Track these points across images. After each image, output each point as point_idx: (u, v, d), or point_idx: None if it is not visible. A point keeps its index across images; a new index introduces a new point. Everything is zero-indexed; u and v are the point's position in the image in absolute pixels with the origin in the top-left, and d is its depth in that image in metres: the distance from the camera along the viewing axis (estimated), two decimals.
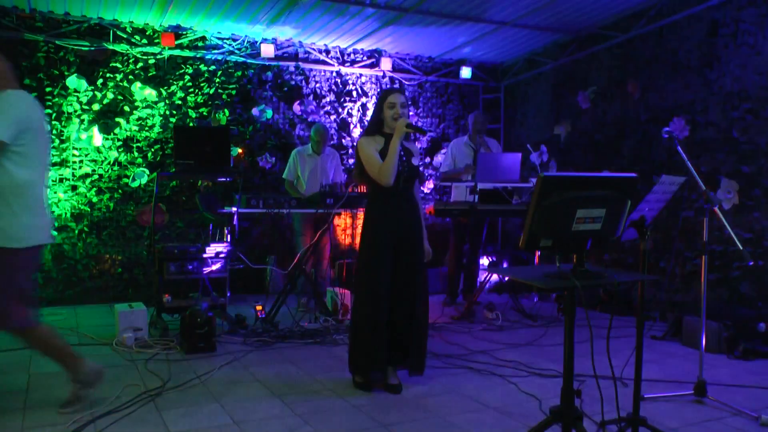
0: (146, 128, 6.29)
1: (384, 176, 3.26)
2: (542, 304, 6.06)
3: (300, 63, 7.02)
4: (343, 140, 7.30)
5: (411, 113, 7.56)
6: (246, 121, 6.75)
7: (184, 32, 6.40)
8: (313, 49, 7.08)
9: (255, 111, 6.75)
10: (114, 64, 6.16)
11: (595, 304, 5.72)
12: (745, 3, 4.93)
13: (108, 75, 6.14)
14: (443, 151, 7.73)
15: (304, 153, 5.83)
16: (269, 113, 6.80)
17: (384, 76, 7.49)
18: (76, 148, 6.01)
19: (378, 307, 3.32)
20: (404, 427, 2.87)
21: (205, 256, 4.80)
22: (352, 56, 7.31)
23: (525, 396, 3.30)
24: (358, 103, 7.37)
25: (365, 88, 7.42)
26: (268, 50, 6.60)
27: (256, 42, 6.69)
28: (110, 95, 6.14)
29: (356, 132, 7.33)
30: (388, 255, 3.34)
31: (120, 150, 6.19)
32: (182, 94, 6.45)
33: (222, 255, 4.87)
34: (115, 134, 6.16)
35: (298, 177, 5.79)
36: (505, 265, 7.03)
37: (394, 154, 3.24)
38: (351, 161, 7.29)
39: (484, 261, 6.88)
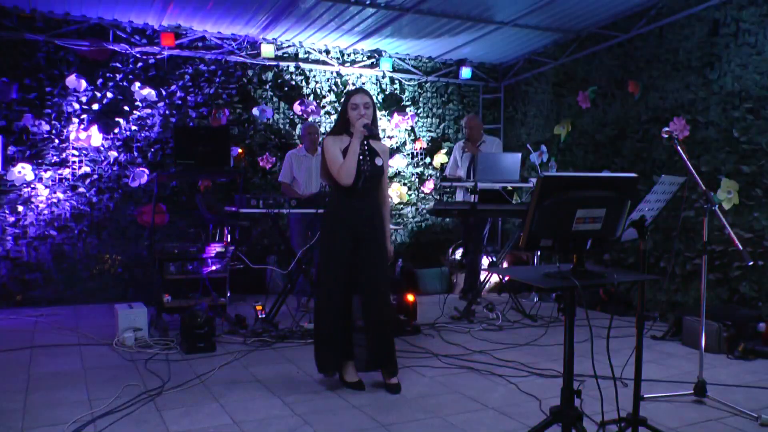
0: (146, 128, 6.29)
1: (342, 176, 3.29)
2: (542, 304, 6.05)
3: (300, 63, 7.02)
4: None
5: (410, 113, 7.59)
6: (246, 121, 6.75)
7: (184, 32, 6.40)
8: (313, 49, 7.08)
9: (255, 111, 6.76)
10: (114, 64, 6.16)
11: (595, 304, 5.72)
12: (745, 2, 4.93)
13: (108, 75, 6.14)
14: (443, 151, 7.74)
15: (298, 154, 5.84)
16: (269, 113, 6.81)
17: (384, 76, 7.49)
18: (76, 148, 6.02)
19: (335, 304, 3.35)
20: (404, 427, 2.87)
21: (205, 256, 4.80)
22: (352, 56, 7.31)
23: (525, 396, 3.30)
24: None
25: (365, 89, 7.41)
26: (268, 50, 6.60)
27: (256, 42, 6.68)
28: (110, 95, 6.14)
29: None
30: (346, 253, 3.36)
31: (120, 150, 6.19)
32: (182, 94, 6.45)
33: (222, 255, 4.86)
34: (115, 134, 6.16)
35: (294, 179, 5.79)
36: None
37: (353, 155, 3.29)
38: None
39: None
